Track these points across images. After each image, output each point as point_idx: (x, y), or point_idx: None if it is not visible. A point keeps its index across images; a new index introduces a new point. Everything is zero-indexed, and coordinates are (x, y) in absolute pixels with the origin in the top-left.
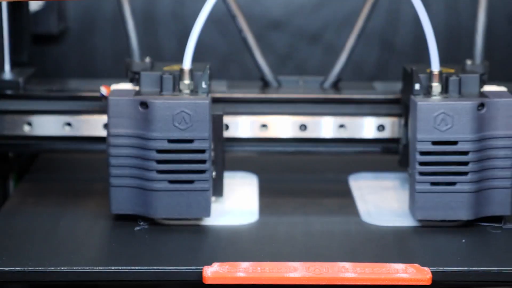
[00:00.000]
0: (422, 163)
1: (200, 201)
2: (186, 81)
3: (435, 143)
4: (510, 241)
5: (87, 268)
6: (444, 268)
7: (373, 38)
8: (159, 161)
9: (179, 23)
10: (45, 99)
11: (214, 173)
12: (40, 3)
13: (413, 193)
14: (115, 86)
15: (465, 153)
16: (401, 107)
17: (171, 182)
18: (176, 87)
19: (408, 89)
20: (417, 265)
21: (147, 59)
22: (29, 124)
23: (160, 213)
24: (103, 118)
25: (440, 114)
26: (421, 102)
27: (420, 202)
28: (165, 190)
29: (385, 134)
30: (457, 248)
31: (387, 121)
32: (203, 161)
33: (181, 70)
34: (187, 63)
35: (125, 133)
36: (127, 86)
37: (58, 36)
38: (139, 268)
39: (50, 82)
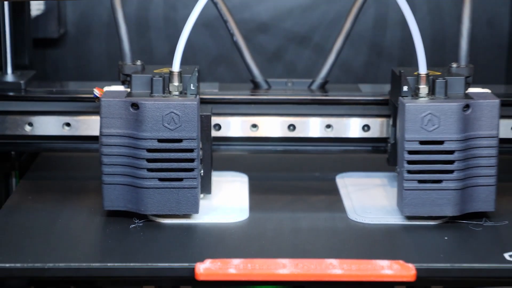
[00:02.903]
0: (410, 162)
1: (189, 198)
2: (175, 83)
3: (422, 142)
4: (490, 238)
5: (84, 264)
6: (428, 264)
7: (361, 42)
8: (150, 160)
9: (171, 27)
10: (46, 100)
11: (202, 171)
12: (41, 8)
13: (401, 191)
14: (108, 88)
15: (451, 152)
16: (385, 108)
17: (161, 180)
18: (166, 89)
19: (396, 91)
20: (401, 261)
21: (138, 62)
22: (30, 124)
23: (151, 209)
24: None
25: (427, 115)
26: (409, 104)
27: (408, 199)
28: (155, 188)
29: (370, 134)
30: (440, 245)
31: (371, 121)
32: (191, 160)
33: (171, 73)
34: (176, 66)
35: (117, 133)
36: (119, 88)
37: (58, 40)
38: (134, 264)
39: (50, 84)
